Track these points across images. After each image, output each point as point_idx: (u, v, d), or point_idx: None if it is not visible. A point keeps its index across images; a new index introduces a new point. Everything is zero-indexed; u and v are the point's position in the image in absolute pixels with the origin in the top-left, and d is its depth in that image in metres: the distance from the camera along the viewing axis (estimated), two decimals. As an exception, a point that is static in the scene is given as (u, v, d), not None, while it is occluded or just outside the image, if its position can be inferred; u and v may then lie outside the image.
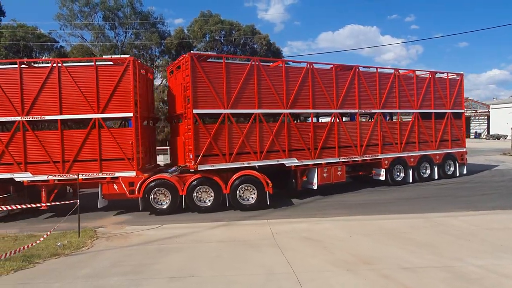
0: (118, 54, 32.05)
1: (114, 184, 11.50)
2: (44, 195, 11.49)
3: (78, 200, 9.16)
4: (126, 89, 11.45)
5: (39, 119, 11.33)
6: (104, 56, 13.09)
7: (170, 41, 31.95)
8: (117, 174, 11.44)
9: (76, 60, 17.66)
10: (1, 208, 9.87)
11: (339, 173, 13.98)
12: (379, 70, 15.21)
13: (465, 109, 18.96)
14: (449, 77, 17.16)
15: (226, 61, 11.97)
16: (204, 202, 11.69)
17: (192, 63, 11.44)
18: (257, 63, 12.37)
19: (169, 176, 11.73)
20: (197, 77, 11.48)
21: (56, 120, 11.34)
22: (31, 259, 7.01)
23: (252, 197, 11.78)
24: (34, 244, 7.63)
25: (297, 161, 13.11)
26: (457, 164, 17.27)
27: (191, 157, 11.47)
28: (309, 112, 13.52)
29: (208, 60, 12.00)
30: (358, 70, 14.42)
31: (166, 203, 11.59)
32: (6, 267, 6.49)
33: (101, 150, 11.41)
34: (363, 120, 16.53)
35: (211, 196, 11.65)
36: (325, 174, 13.68)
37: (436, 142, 16.55)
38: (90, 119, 11.37)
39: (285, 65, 13.01)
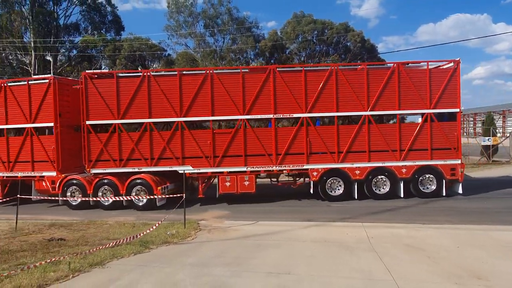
0: (216, 59, 34.22)
1: (45, 182, 13.64)
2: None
3: (184, 195, 10.11)
4: (49, 103, 13.51)
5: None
6: (34, 76, 15.35)
7: (264, 44, 32.88)
8: (41, 173, 13.76)
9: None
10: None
11: (246, 183, 13.14)
12: (307, 68, 13.77)
13: (462, 108, 13.30)
14: (432, 66, 13.52)
15: (117, 76, 13.18)
16: (108, 200, 12.94)
17: (85, 81, 13.10)
18: (148, 74, 13.18)
19: (80, 177, 13.36)
20: (90, 93, 13.11)
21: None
22: (147, 245, 7.93)
23: (144, 198, 12.80)
24: (148, 231, 8.62)
25: (192, 168, 13.15)
26: (444, 181, 13.08)
27: (76, 161, 13.68)
28: (208, 119, 13.20)
29: (101, 77, 13.44)
30: (275, 71, 13.10)
31: (78, 201, 13.26)
32: (127, 250, 7.46)
33: (33, 153, 13.87)
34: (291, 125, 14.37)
35: (109, 198, 12.81)
36: (227, 183, 13.11)
37: (403, 152, 13.07)
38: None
39: (180, 73, 13.28)
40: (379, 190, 13.25)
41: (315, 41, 33.61)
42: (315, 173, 13.16)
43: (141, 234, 8.34)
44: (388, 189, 13.19)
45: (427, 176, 13.20)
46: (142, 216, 11.79)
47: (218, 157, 13.18)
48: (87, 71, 13.85)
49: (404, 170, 13.06)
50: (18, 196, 10.60)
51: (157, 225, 8.92)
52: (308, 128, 13.11)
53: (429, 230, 9.03)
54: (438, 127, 13.08)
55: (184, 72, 13.82)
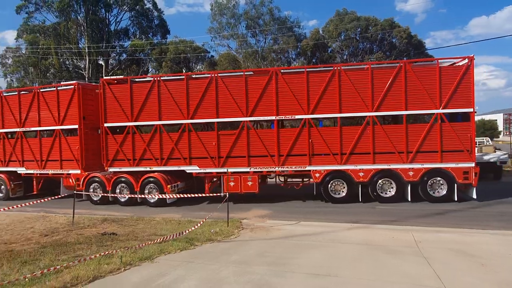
0: (258, 59, 34.48)
1: (70, 178, 15.05)
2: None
3: (227, 193, 10.32)
4: (74, 107, 14.92)
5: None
6: (62, 83, 16.55)
7: (306, 43, 32.63)
8: (68, 171, 15.19)
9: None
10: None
11: (249, 183, 13.34)
12: (310, 69, 13.34)
13: (476, 108, 12.29)
14: (443, 64, 12.62)
15: (131, 81, 14.12)
16: (125, 197, 14.09)
17: (103, 86, 14.20)
18: (158, 78, 13.96)
19: (101, 175, 14.50)
20: (104, 99, 14.22)
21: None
22: (192, 242, 8.19)
23: (154, 196, 13.63)
24: (193, 229, 8.89)
25: (198, 168, 13.70)
26: (456, 185, 12.28)
27: (98, 161, 14.79)
28: (213, 121, 13.58)
29: (117, 82, 14.43)
30: (278, 73, 13.15)
31: (99, 196, 14.39)
32: (174, 246, 7.75)
33: (61, 153, 15.35)
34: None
35: (128, 193, 14.01)
36: (232, 183, 13.36)
37: (410, 154, 12.47)
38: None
39: (187, 77, 13.86)
40: (385, 193, 12.84)
41: (358, 38, 32.84)
42: (317, 175, 13.07)
43: (187, 231, 8.62)
44: (394, 192, 12.75)
45: (437, 179, 12.51)
46: (187, 214, 12.17)
47: (223, 157, 13.58)
48: (104, 77, 15.08)
49: (411, 173, 12.52)
50: (75, 192, 11.35)
51: (201, 222, 9.17)
52: (310, 130, 13.04)
53: (480, 235, 8.55)
54: (449, 128, 12.33)
55: (192, 76, 14.54)
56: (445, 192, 12.44)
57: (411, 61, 13.02)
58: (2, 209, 10.57)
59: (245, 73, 13.54)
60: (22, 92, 16.54)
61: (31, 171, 16.10)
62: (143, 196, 13.62)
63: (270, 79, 13.18)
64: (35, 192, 16.27)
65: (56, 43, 34.47)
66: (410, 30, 31.76)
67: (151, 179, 13.85)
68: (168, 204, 13.70)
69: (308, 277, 6.06)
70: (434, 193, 12.55)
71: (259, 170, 13.41)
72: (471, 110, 12.23)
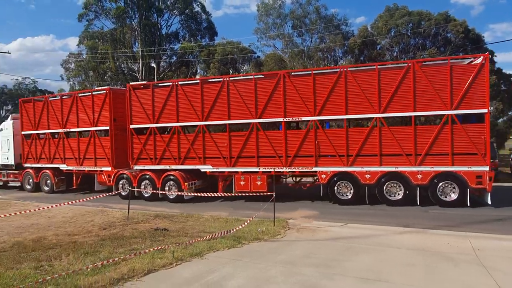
0: (304, 59, 34.23)
1: (104, 175, 16.46)
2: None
3: (274, 193, 10.39)
4: (106, 110, 16.41)
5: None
6: (98, 88, 18.05)
7: (354, 41, 31.86)
8: (102, 168, 16.60)
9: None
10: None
11: (258, 182, 13.68)
12: (316, 71, 13.47)
13: (491, 108, 11.41)
14: (453, 62, 11.91)
15: (153, 86, 15.35)
16: (147, 193, 15.22)
17: (129, 91, 15.50)
18: (176, 83, 14.92)
19: (128, 172, 15.74)
20: (130, 102, 15.57)
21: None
22: (239, 240, 8.35)
23: (173, 192, 14.40)
24: (240, 227, 9.05)
25: (211, 167, 14.37)
26: (468, 189, 11.60)
27: (125, 159, 15.97)
28: (225, 123, 14.18)
29: (143, 87, 15.67)
30: (285, 76, 13.36)
31: (126, 191, 15.09)
32: (222, 244, 7.95)
33: (96, 151, 16.89)
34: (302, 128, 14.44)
35: (149, 190, 15.14)
36: (242, 182, 13.85)
37: (419, 156, 11.99)
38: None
39: (202, 82, 14.75)
40: (393, 196, 12.55)
41: (409, 34, 31.46)
42: (324, 176, 13.08)
43: (234, 230, 8.80)
44: (402, 196, 12.42)
45: (448, 183, 11.94)
46: (234, 212, 12.41)
47: (234, 157, 14.14)
48: (131, 83, 16.55)
49: (420, 176, 12.08)
50: (131, 189, 12.03)
51: (248, 221, 9.32)
52: (317, 131, 13.10)
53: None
54: (461, 129, 11.69)
55: (208, 80, 15.28)
56: (456, 197, 11.93)
57: (419, 61, 12.63)
58: (66, 203, 11.50)
59: (255, 77, 14.04)
60: (64, 97, 18.46)
61: (71, 168, 17.93)
62: (163, 192, 14.58)
63: (278, 82, 13.41)
64: (74, 187, 18.19)
65: (113, 47, 36.60)
66: (467, 24, 29.85)
67: (171, 177, 14.89)
68: (186, 200, 14.73)
69: (357, 281, 5.95)
70: (445, 197, 12.06)
71: (268, 170, 13.68)
72: (485, 111, 11.46)
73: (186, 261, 6.81)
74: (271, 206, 10.23)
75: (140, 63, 36.60)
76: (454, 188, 11.95)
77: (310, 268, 6.55)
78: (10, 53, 41.53)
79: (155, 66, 36.92)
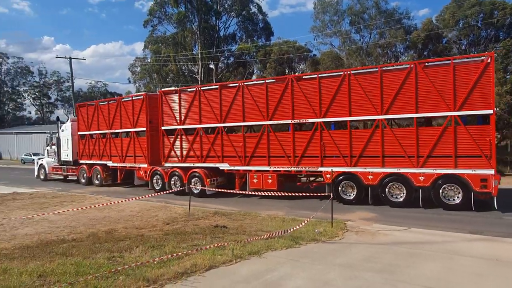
0: (362, 55, 33.18)
1: (141, 171, 18.43)
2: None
3: (332, 194, 10.22)
4: (143, 113, 18.29)
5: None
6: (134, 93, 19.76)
7: (416, 35, 30.25)
8: (140, 165, 18.51)
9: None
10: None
11: (269, 180, 14.49)
12: (321, 75, 13.86)
13: (496, 109, 10.89)
14: (458, 62, 11.52)
15: (180, 91, 16.98)
16: (176, 186, 16.56)
17: (161, 97, 17.34)
18: (199, 89, 16.35)
19: (161, 169, 17.35)
20: (162, 106, 17.27)
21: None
22: (297, 240, 8.33)
23: (198, 188, 15.61)
24: (297, 227, 9.03)
25: (228, 165, 15.47)
26: (472, 193, 11.24)
27: (158, 157, 17.66)
28: (240, 125, 15.26)
29: (174, 92, 17.23)
30: (294, 80, 14.00)
31: (160, 186, 17.44)
32: (280, 243, 7.99)
33: (135, 150, 18.81)
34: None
35: (177, 185, 16.49)
36: (255, 180, 14.77)
37: (421, 158, 11.92)
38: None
39: (220, 87, 15.94)
40: (395, 197, 12.58)
41: (480, 25, 29.13)
42: (328, 176, 13.31)
43: (291, 230, 8.80)
44: (404, 197, 12.40)
45: (451, 186, 11.72)
46: (291, 212, 12.41)
47: (248, 157, 15.10)
48: (162, 89, 18.31)
49: (422, 178, 11.97)
50: (188, 186, 12.55)
51: (306, 222, 9.26)
52: (322, 132, 13.52)
53: None
54: (465, 131, 11.36)
55: (227, 85, 16.35)
56: (460, 200, 11.62)
57: (422, 62, 12.52)
58: (133, 198, 12.36)
59: (266, 81, 15.02)
60: (111, 102, 21.00)
61: (116, 164, 20.16)
62: (189, 186, 15.73)
63: (286, 86, 14.11)
64: (119, 181, 20.63)
65: (175, 51, 38.44)
66: (549, 11, 26.93)
67: (196, 174, 16.31)
68: (209, 195, 15.99)
69: (422, 289, 5.66)
70: (448, 200, 11.82)
71: (278, 169, 14.50)
72: (491, 112, 10.99)
73: (245, 259, 6.95)
74: (329, 207, 10.07)
75: (200, 64, 38.00)
76: (457, 191, 11.66)
77: (371, 273, 6.36)
78: (85, 59, 45.36)
79: (213, 68, 38.11)
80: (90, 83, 77.68)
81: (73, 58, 41.69)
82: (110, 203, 13.38)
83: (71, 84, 44.38)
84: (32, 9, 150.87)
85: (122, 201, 13.31)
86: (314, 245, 8.21)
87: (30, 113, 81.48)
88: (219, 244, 7.63)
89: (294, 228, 8.93)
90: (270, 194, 11.41)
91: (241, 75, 37.28)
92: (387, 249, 7.89)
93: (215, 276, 6.13)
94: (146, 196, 13.09)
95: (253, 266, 6.68)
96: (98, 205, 13.40)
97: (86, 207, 12.83)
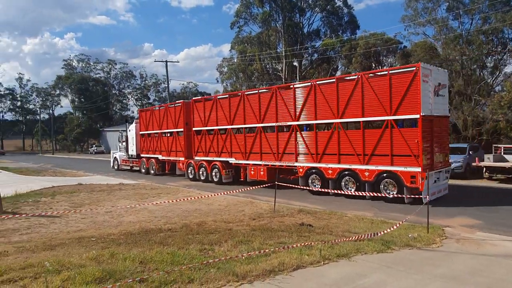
0: (462, 44, 29.92)
1: (181, 163, 22.89)
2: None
3: (428, 196, 9.35)
4: (182, 117, 22.71)
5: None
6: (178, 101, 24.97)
7: (532, 17, 26.21)
8: (179, 158, 22.91)
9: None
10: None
11: (261, 172, 17.40)
12: (297, 85, 16.49)
13: (422, 114, 12.02)
14: (393, 73, 13.20)
15: (204, 100, 21.48)
16: (204, 176, 20.82)
17: (192, 103, 21.93)
18: (217, 97, 20.36)
19: (193, 161, 21.59)
20: (193, 111, 21.61)
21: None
22: (388, 245, 7.77)
23: (217, 177, 19.76)
24: (388, 231, 8.45)
25: (235, 160, 18.84)
26: (405, 188, 12.74)
27: (190, 151, 21.97)
28: (242, 127, 18.59)
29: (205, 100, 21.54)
30: (278, 91, 16.71)
31: (192, 175, 21.80)
32: (370, 247, 7.53)
33: (176, 146, 23.38)
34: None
35: (204, 175, 20.69)
36: (252, 172, 17.92)
37: (366, 156, 13.71)
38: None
39: (230, 96, 19.71)
40: (349, 190, 14.23)
41: None
42: (301, 170, 16.00)
43: (382, 233, 8.28)
44: (354, 190, 13.95)
45: (388, 181, 13.44)
46: (379, 213, 11.75)
47: (247, 153, 18.38)
48: (193, 98, 23.40)
49: (367, 174, 13.79)
50: (276, 183, 12.63)
51: (398, 225, 8.64)
52: (296, 133, 16.11)
53: None
54: (398, 133, 13.01)
55: (235, 95, 19.68)
56: (395, 194, 13.25)
57: (366, 73, 14.33)
58: (222, 193, 12.91)
59: (259, 91, 18.23)
60: (161, 107, 25.46)
61: (164, 158, 24.61)
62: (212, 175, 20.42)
63: (272, 94, 17.05)
64: (167, 171, 25.09)
65: (259, 50, 39.21)
66: None
67: (216, 166, 20.02)
68: (226, 183, 19.47)
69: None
70: (386, 193, 13.43)
71: (267, 163, 17.48)
72: (418, 116, 12.51)
73: (333, 261, 6.68)
74: (423, 211, 9.24)
75: (283, 62, 38.17)
76: (393, 185, 13.37)
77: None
78: (178, 62, 49.23)
79: (297, 65, 37.96)
80: (183, 84, 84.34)
81: (169, 62, 45.24)
82: (201, 197, 14.13)
83: (166, 85, 48.22)
84: (135, 19, 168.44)
85: (211, 195, 13.97)
86: (408, 251, 7.60)
87: (133, 112, 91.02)
88: (306, 243, 7.47)
89: (385, 231, 8.38)
90: (355, 194, 10.96)
91: (325, 71, 36.46)
92: (497, 261, 6.95)
93: (303, 276, 5.99)
94: (233, 191, 13.57)
95: (342, 269, 6.40)
96: (190, 198, 14.25)
97: (180, 200, 13.75)
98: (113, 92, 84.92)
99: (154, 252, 6.52)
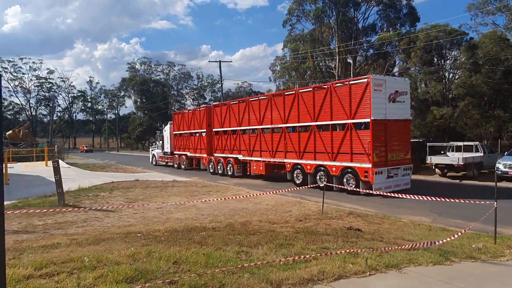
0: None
1: (204, 159, 26.74)
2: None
3: (495, 202, 8.26)
4: (205, 119, 26.73)
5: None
6: (202, 105, 32.72)
7: None
8: (203, 155, 26.84)
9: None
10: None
11: (261, 167, 20.91)
12: (285, 93, 20.08)
13: (372, 118, 14.47)
14: (352, 83, 15.75)
15: (221, 105, 25.50)
16: (221, 170, 24.69)
17: (212, 108, 26.02)
18: (230, 103, 24.34)
19: (213, 157, 25.18)
20: (213, 114, 25.57)
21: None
22: (447, 256, 6.92)
23: (231, 171, 23.45)
24: (448, 240, 7.58)
25: (242, 156, 22.58)
26: (360, 181, 15.18)
27: (211, 149, 25.81)
28: (247, 128, 22.38)
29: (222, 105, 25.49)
30: (273, 98, 20.29)
31: (212, 169, 25.44)
32: (425, 257, 6.71)
33: (200, 144, 27.63)
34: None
35: (221, 169, 24.50)
36: (254, 167, 21.50)
37: (334, 154, 16.35)
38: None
39: (238, 102, 23.71)
40: (322, 183, 14.78)
41: None
42: (288, 165, 18.91)
43: (440, 242, 7.42)
44: (325, 182, 14.09)
45: (350, 175, 15.84)
46: (439, 219, 10.78)
47: (251, 151, 21.65)
48: (213, 103, 29.40)
49: (334, 169, 16.33)
50: (324, 184, 12.10)
51: (459, 233, 7.71)
52: (285, 134, 19.09)
53: None
54: (356, 134, 15.35)
55: (251, 99, 22.86)
56: (353, 186, 15.44)
57: (333, 83, 16.86)
58: (270, 192, 12.72)
59: (260, 98, 21.98)
60: (189, 111, 30.12)
61: (191, 155, 28.52)
62: (227, 170, 24.23)
63: (269, 100, 20.39)
64: (194, 166, 28.90)
65: (312, 47, 38.33)
66: None
67: (230, 161, 23.60)
68: (237, 176, 22.97)
69: None
70: (348, 185, 15.57)
71: (264, 160, 20.58)
72: (369, 120, 14.78)
73: (380, 272, 6.00)
74: (491, 217, 8.15)
75: (337, 59, 36.95)
76: (352, 179, 15.67)
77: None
78: (231, 61, 50.39)
79: (351, 62, 36.53)
80: (237, 83, 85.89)
81: (222, 62, 46.04)
82: (249, 196, 14.00)
83: (220, 85, 49.15)
84: (193, 23, 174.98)
85: (259, 194, 13.78)
86: (470, 264, 6.70)
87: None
88: (352, 250, 6.89)
89: (444, 240, 7.51)
90: (412, 198, 10.00)
91: (381, 67, 34.57)
92: None
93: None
94: (282, 190, 13.34)
95: (390, 281, 5.72)
96: (238, 197, 14.17)
97: (228, 198, 13.72)
98: (172, 92, 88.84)
99: (190, 252, 6.38)
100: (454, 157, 20.85)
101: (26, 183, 20.24)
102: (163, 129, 34.23)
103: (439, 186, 18.73)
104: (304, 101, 17.78)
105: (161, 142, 34.33)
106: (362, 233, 8.86)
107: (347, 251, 6.79)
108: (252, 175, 22.13)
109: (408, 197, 10.43)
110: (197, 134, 27.53)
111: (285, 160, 19.08)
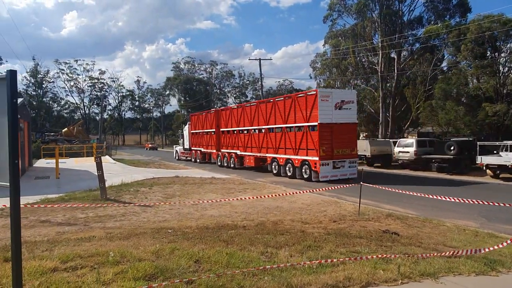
0: None
1: (214, 154, 31.69)
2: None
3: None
4: (214, 121, 31.69)
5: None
6: (213, 109, 37.33)
7: None
8: (213, 150, 31.86)
9: None
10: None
11: (251, 161, 25.74)
12: (267, 100, 25.35)
13: (319, 122, 19.34)
14: (308, 94, 20.64)
15: (225, 108, 32.24)
16: (226, 163, 29.26)
17: (220, 111, 31.62)
18: (231, 108, 30.57)
19: (220, 153, 30.00)
20: (219, 116, 30.89)
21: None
22: (493, 265, 6.27)
23: (233, 163, 28.18)
24: (496, 247, 6.89)
25: (240, 152, 27.22)
26: (312, 171, 19.74)
27: (219, 145, 30.83)
28: (243, 128, 27.05)
29: (223, 109, 32.17)
30: (259, 104, 25.27)
31: (220, 163, 30.26)
32: (467, 266, 6.13)
33: (211, 142, 32.96)
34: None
35: (226, 162, 29.18)
36: (247, 161, 26.38)
37: (296, 150, 20.90)
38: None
39: (238, 107, 29.20)
40: (289, 173, 21.65)
41: None
42: (268, 159, 23.98)
43: (487, 249, 6.76)
44: (291, 173, 21.40)
45: (306, 166, 20.37)
46: (487, 224, 9.96)
47: (245, 147, 26.37)
48: (220, 107, 38.99)
49: (296, 161, 20.98)
50: (361, 183, 11.61)
51: (510, 241, 6.96)
52: (266, 134, 24.11)
53: None
54: (309, 134, 20.05)
55: (246, 105, 27.98)
56: (308, 175, 20.22)
57: (295, 94, 23.14)
58: (307, 191, 12.50)
59: (259, 102, 26.16)
60: (203, 113, 34.87)
61: (205, 150, 33.15)
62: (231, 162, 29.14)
63: (257, 106, 25.43)
64: (206, 160, 33.51)
65: (354, 43, 37.13)
66: None
67: (232, 155, 28.10)
68: (237, 168, 27.51)
69: None
70: (305, 175, 20.49)
71: (253, 154, 25.32)
72: (316, 123, 19.52)
73: (414, 281, 5.50)
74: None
75: (380, 54, 35.48)
76: (307, 169, 20.28)
77: None
78: (271, 59, 49.79)
79: (395, 57, 34.90)
80: (278, 81, 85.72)
81: (262, 59, 45.89)
82: (285, 194, 13.80)
83: (260, 83, 49.16)
84: (237, 22, 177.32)
85: (295, 193, 13.52)
86: (520, 275, 6.04)
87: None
88: (384, 255, 6.45)
89: (491, 248, 6.83)
90: (458, 201, 9.22)
91: (428, 62, 32.68)
92: None
93: (373, 296, 5.09)
94: (319, 189, 13.01)
95: (424, 291, 5.27)
96: (274, 195, 13.99)
97: (264, 196, 13.59)
98: (214, 90, 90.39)
99: (214, 251, 6.27)
100: (508, 157, 19.39)
101: (75, 177, 21.45)
102: (183, 128, 39.56)
103: (489, 189, 17.38)
104: (279, 108, 22.55)
105: (181, 140, 39.77)
106: (399, 237, 8.33)
107: (379, 256, 6.35)
108: (246, 167, 27.19)
109: (454, 200, 9.65)
110: (209, 133, 32.19)
111: (266, 155, 23.95)
